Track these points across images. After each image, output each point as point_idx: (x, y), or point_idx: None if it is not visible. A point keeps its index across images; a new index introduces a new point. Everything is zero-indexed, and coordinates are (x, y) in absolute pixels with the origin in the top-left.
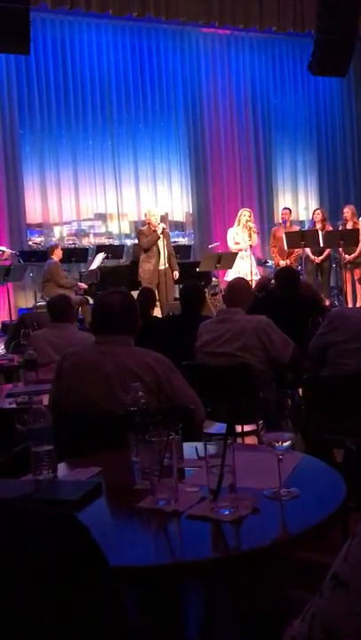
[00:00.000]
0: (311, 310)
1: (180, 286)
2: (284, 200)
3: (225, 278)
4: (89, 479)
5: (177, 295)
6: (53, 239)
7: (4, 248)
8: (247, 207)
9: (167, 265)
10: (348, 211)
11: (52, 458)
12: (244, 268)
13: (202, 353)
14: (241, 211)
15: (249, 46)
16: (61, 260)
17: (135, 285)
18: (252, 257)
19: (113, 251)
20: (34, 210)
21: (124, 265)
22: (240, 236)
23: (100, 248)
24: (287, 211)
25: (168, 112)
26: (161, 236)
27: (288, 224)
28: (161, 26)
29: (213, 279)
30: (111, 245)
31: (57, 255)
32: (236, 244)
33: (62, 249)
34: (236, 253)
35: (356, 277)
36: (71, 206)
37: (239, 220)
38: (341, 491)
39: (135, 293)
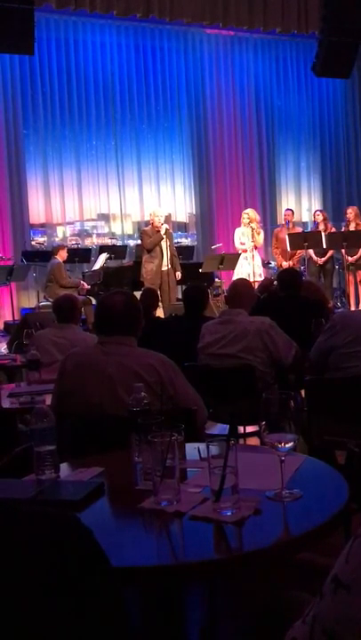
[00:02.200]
0: (314, 312)
1: (183, 287)
2: (287, 201)
3: (233, 279)
4: (91, 479)
5: (179, 296)
6: (56, 239)
7: None
8: (251, 208)
9: (170, 266)
10: (351, 212)
11: (54, 458)
12: (248, 269)
13: (204, 354)
14: (244, 212)
15: (253, 47)
16: (65, 261)
17: (138, 286)
18: (257, 258)
19: (116, 251)
20: (37, 210)
21: (127, 265)
22: (245, 236)
23: (102, 248)
24: (290, 212)
25: (172, 113)
26: (164, 236)
27: (291, 225)
28: (165, 27)
29: (216, 280)
30: (114, 246)
31: (61, 256)
32: (242, 244)
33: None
34: (238, 254)
35: (358, 279)
36: (74, 206)
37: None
38: (344, 492)
39: (138, 294)
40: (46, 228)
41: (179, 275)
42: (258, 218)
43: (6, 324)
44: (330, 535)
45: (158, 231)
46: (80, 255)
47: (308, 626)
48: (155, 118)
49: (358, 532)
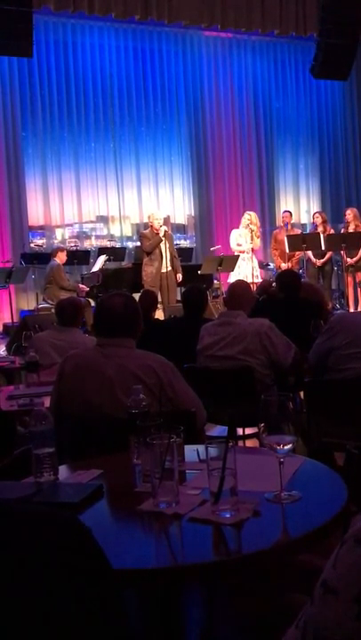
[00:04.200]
0: (313, 313)
1: (183, 289)
2: (285, 203)
3: (228, 280)
4: (90, 482)
5: (179, 298)
6: (55, 241)
7: None
8: (250, 210)
9: (170, 268)
10: (350, 213)
11: (53, 460)
12: (246, 271)
13: (203, 356)
14: (246, 212)
15: (251, 49)
16: (64, 263)
17: (137, 288)
18: (255, 260)
19: (115, 253)
20: (36, 212)
21: (126, 267)
22: (243, 238)
23: (101, 250)
24: (288, 214)
25: (170, 115)
26: (163, 238)
27: (289, 227)
28: (163, 29)
29: (215, 282)
30: (113, 248)
31: (60, 258)
32: (238, 245)
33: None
34: (237, 256)
35: (357, 281)
36: (73, 208)
37: (243, 223)
38: (343, 494)
39: (137, 296)
40: (45, 230)
41: (180, 276)
42: (258, 223)
43: (5, 326)
44: (329, 537)
45: (157, 234)
46: (79, 257)
47: (301, 631)
48: (153, 120)
49: (345, 537)
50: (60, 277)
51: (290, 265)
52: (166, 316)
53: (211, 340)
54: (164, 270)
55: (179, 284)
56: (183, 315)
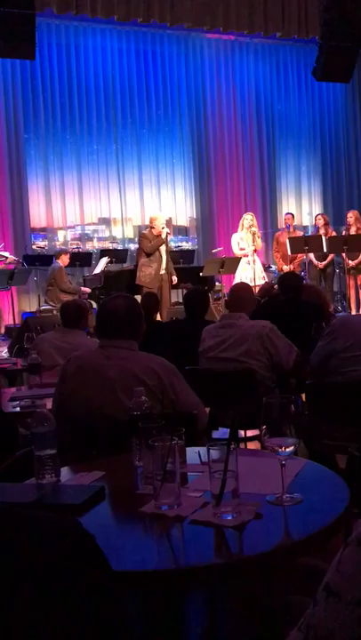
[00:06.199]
0: (314, 316)
1: (184, 291)
2: (287, 205)
3: (234, 283)
4: (92, 483)
5: (176, 299)
6: (57, 243)
7: (6, 254)
8: (250, 212)
9: (165, 270)
10: (351, 216)
11: (55, 462)
12: (250, 273)
13: (205, 358)
14: (244, 215)
15: (253, 52)
16: (66, 265)
17: (136, 290)
18: (257, 262)
19: (116, 255)
20: (38, 214)
21: (128, 269)
22: (245, 240)
23: (103, 252)
24: (290, 216)
25: (172, 117)
26: (165, 240)
27: (291, 229)
28: (165, 31)
29: (217, 284)
30: (115, 250)
31: (63, 261)
32: (241, 249)
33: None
34: (239, 258)
35: (358, 283)
36: (75, 210)
37: (242, 225)
38: (345, 496)
39: (138, 298)
40: (47, 232)
41: (175, 279)
42: (257, 224)
43: (7, 327)
44: (331, 539)
45: (158, 235)
46: (81, 259)
47: (303, 634)
48: (155, 122)
49: (348, 540)
50: (62, 280)
51: (292, 267)
52: (164, 317)
53: (212, 342)
54: (161, 272)
55: (173, 287)
56: (185, 317)
